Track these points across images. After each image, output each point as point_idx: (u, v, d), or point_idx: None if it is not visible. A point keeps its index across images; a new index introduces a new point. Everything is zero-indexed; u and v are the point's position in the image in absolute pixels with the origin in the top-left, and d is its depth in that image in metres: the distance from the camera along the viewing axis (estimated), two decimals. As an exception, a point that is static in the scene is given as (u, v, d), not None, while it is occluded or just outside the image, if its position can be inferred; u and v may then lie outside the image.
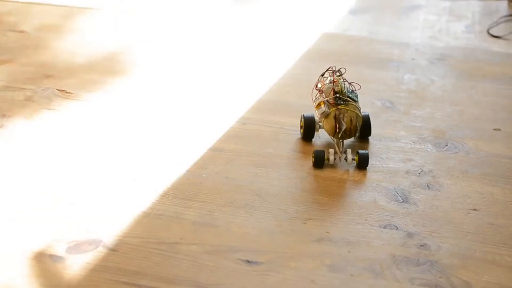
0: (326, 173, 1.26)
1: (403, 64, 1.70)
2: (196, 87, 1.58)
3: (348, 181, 1.24)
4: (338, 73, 1.29)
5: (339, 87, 1.26)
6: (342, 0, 2.11)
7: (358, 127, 1.26)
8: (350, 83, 1.29)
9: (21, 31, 1.84)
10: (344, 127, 1.24)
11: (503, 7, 2.07)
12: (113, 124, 1.41)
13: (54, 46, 1.76)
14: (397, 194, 1.21)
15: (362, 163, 1.26)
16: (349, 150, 1.26)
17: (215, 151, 1.32)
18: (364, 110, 1.41)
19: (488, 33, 1.89)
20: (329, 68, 1.30)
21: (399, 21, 1.97)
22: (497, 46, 1.81)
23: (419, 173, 1.27)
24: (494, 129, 1.42)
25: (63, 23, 1.90)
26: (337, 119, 1.24)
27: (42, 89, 1.54)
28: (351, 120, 1.25)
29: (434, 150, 1.34)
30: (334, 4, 2.09)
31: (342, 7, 2.06)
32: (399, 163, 1.30)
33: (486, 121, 1.45)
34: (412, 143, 1.36)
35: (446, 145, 1.36)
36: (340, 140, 1.26)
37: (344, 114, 1.25)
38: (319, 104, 1.28)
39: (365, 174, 1.26)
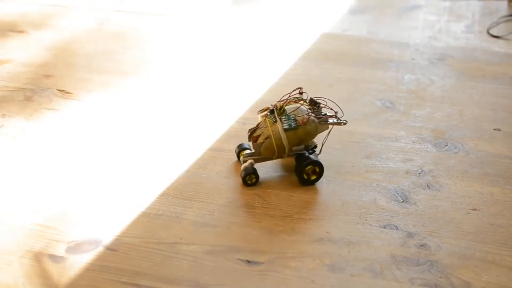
0: (325, 173, 1.26)
1: (403, 64, 1.70)
2: (196, 87, 1.58)
3: (348, 181, 1.24)
4: (309, 102, 1.23)
5: (280, 106, 1.22)
6: (342, 0, 2.11)
7: (262, 145, 1.21)
8: (317, 117, 1.21)
9: (21, 31, 1.84)
10: (249, 134, 1.23)
11: (503, 7, 2.07)
12: (113, 124, 1.41)
13: (54, 46, 1.76)
14: (397, 194, 1.21)
15: (243, 179, 1.23)
16: (250, 161, 1.22)
17: (215, 151, 1.32)
18: (364, 112, 1.41)
19: (488, 33, 1.89)
20: (298, 88, 1.24)
21: (399, 21, 1.97)
22: (497, 46, 1.81)
23: (419, 173, 1.27)
24: (494, 129, 1.42)
25: (63, 23, 1.89)
26: (256, 126, 1.23)
27: (42, 89, 1.54)
28: (259, 135, 1.21)
29: (434, 150, 1.34)
30: (334, 4, 2.09)
31: (342, 7, 2.06)
32: (399, 163, 1.30)
33: (486, 121, 1.45)
34: (412, 143, 1.36)
35: (446, 145, 1.36)
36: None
37: (262, 127, 1.22)
38: (266, 108, 1.25)
39: (363, 174, 1.26)
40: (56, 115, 1.44)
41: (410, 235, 1.11)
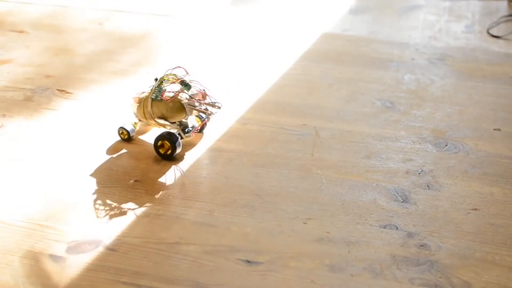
0: (326, 172, 1.26)
1: (403, 64, 1.70)
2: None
3: (348, 181, 1.25)
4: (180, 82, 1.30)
5: (162, 78, 1.29)
6: (342, 0, 2.11)
7: (136, 107, 1.31)
8: (187, 99, 1.28)
9: (21, 31, 1.84)
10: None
11: (503, 7, 2.07)
12: (113, 124, 1.41)
13: (54, 46, 1.76)
14: (397, 194, 1.21)
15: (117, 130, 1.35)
16: (134, 121, 1.35)
17: (215, 151, 1.32)
18: (364, 112, 1.41)
19: (488, 33, 1.89)
20: (178, 67, 1.31)
21: (399, 21, 1.97)
22: (497, 46, 1.81)
23: (419, 173, 1.27)
24: (494, 129, 1.42)
25: (63, 23, 1.90)
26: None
27: (42, 89, 1.54)
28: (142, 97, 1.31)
29: (434, 150, 1.34)
30: (334, 4, 2.09)
31: (342, 7, 2.06)
32: (399, 163, 1.30)
33: (486, 121, 1.45)
34: (412, 143, 1.36)
35: (446, 145, 1.36)
36: None
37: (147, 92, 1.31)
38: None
39: (363, 174, 1.26)
40: (56, 115, 1.44)
41: (410, 235, 1.11)
